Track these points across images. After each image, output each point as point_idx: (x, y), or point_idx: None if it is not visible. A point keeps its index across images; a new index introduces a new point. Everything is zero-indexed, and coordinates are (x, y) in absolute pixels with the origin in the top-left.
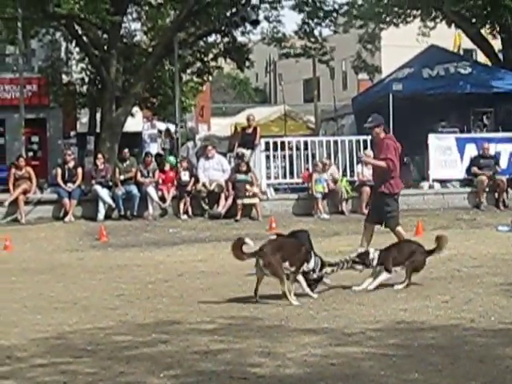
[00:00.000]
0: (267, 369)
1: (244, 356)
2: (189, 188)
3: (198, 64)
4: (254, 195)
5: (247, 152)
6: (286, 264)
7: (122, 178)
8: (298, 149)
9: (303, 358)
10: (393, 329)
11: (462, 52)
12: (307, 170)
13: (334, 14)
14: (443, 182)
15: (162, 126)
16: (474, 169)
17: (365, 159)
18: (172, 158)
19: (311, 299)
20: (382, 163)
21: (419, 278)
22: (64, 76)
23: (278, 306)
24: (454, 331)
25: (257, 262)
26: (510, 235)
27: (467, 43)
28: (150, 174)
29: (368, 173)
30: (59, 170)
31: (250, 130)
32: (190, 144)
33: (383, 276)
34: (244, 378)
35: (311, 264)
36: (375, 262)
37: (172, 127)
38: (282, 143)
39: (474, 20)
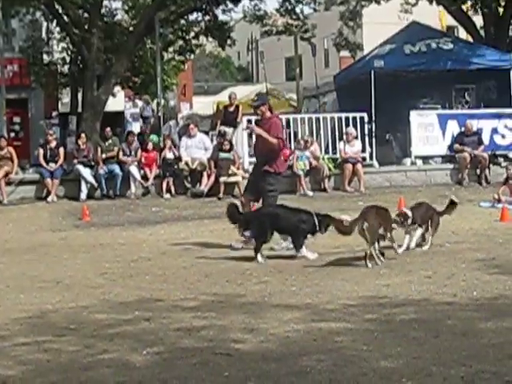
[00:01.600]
0: (250, 345)
1: (227, 332)
2: (174, 166)
3: (180, 42)
4: (237, 173)
5: (229, 130)
6: (381, 229)
7: (103, 156)
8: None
9: (286, 333)
10: (375, 304)
11: (445, 29)
12: (289, 148)
13: None
14: (425, 159)
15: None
16: (457, 146)
17: (252, 128)
18: (155, 137)
19: (293, 276)
20: (275, 141)
21: (403, 254)
22: (45, 56)
23: (260, 283)
24: (437, 306)
25: (361, 224)
26: (491, 211)
27: (449, 20)
28: (133, 153)
29: (350, 150)
30: (41, 150)
31: (231, 109)
32: (172, 122)
33: (419, 232)
34: (227, 354)
35: None
36: (410, 221)
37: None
38: None
39: None
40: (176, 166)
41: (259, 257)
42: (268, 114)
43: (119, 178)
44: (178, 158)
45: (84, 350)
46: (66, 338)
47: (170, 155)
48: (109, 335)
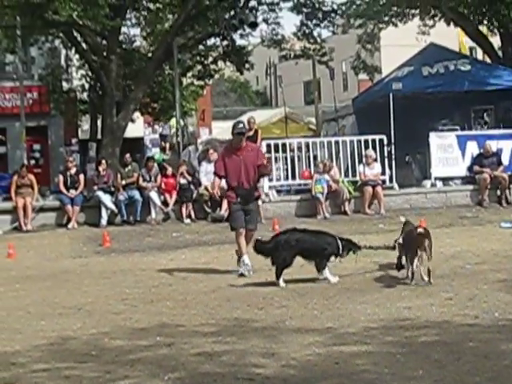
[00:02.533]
0: (272, 369)
1: (248, 357)
2: (194, 194)
3: (198, 67)
4: (257, 198)
5: None
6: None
7: (123, 182)
8: (299, 150)
9: (307, 357)
10: (397, 327)
11: (467, 50)
12: (307, 169)
13: (333, 15)
14: (445, 180)
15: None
16: (476, 167)
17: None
18: (158, 156)
19: (314, 300)
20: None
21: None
22: (64, 83)
23: (282, 307)
24: (459, 328)
25: (424, 241)
26: None
27: (467, 41)
28: (152, 179)
29: (370, 172)
30: (61, 177)
31: (251, 133)
32: (192, 148)
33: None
34: (249, 378)
35: None
36: None
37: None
38: (284, 145)
39: (472, 17)
40: (192, 192)
41: (281, 281)
42: (245, 142)
43: (139, 204)
44: (195, 184)
45: (105, 376)
46: (86, 364)
47: (183, 181)
48: (130, 361)
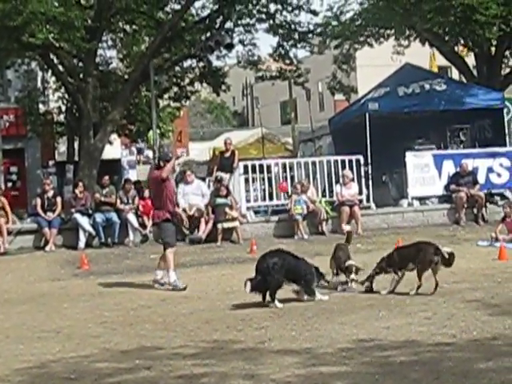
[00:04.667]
0: None
1: (228, 379)
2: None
3: (175, 89)
4: (234, 219)
5: (226, 176)
6: None
7: (102, 199)
8: (276, 171)
9: (287, 379)
10: (375, 347)
11: (436, 71)
12: (284, 181)
13: (309, 35)
14: (422, 200)
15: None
16: (453, 186)
17: None
18: None
19: (293, 321)
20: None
21: (402, 296)
22: (41, 105)
23: (261, 329)
24: (437, 347)
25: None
26: (489, 250)
27: (442, 61)
28: (130, 201)
29: (347, 192)
30: (38, 200)
31: (227, 154)
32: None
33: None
34: None
35: None
36: None
37: (150, 153)
38: (261, 166)
39: (446, 37)
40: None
41: (277, 303)
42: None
43: (117, 226)
44: (175, 205)
45: None
46: None
47: None
48: None
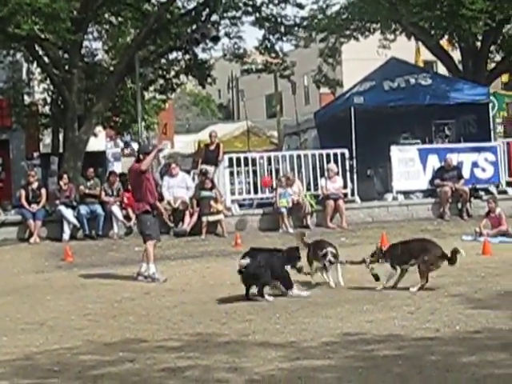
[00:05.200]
0: None
1: (211, 372)
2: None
3: (161, 81)
4: (219, 212)
5: (211, 169)
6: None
7: (86, 191)
8: (261, 164)
9: (271, 372)
10: (359, 340)
11: (422, 65)
12: (268, 176)
13: (295, 29)
14: (407, 194)
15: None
16: (438, 181)
17: None
18: None
19: (277, 314)
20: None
21: (386, 290)
22: (26, 97)
23: (245, 322)
24: (420, 341)
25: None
26: (473, 244)
27: (427, 55)
28: (115, 193)
29: (332, 186)
30: (23, 192)
31: (212, 147)
32: (154, 162)
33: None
34: None
35: None
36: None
37: (135, 146)
38: (246, 159)
39: (432, 32)
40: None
41: (267, 296)
42: None
43: (101, 218)
44: (160, 198)
45: None
46: (50, 380)
47: None
48: (93, 377)
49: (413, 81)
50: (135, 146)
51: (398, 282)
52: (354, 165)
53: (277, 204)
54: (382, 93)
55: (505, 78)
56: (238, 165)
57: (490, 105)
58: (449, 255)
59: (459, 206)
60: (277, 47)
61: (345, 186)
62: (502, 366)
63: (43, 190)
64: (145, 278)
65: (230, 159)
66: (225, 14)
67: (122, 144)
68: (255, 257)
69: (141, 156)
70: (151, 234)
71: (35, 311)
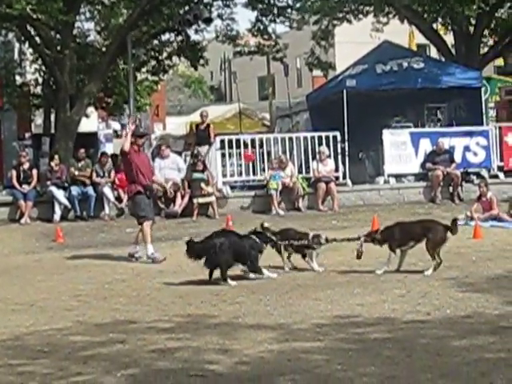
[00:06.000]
0: (225, 366)
1: (201, 353)
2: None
3: (153, 63)
4: (210, 194)
5: (203, 149)
6: None
7: (76, 173)
8: (253, 146)
9: (260, 354)
10: (349, 323)
11: (415, 49)
12: (252, 152)
13: (288, 10)
14: (398, 177)
15: (117, 125)
16: (429, 164)
17: None
18: None
19: (267, 297)
20: None
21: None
22: (18, 77)
23: (235, 304)
24: (410, 325)
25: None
26: (464, 228)
27: (420, 39)
28: (106, 174)
29: (323, 169)
30: (14, 172)
31: (203, 127)
32: (146, 143)
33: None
34: (202, 375)
35: None
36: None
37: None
38: (238, 141)
39: (425, 15)
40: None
41: (229, 281)
42: None
43: (93, 200)
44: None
45: (57, 373)
46: (39, 360)
47: None
48: (83, 357)
49: (405, 64)
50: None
51: (401, 264)
52: (346, 148)
53: (268, 186)
54: (374, 76)
55: (499, 61)
56: (230, 147)
57: (483, 89)
58: (449, 225)
59: (450, 189)
60: (270, 29)
61: (336, 169)
62: (492, 350)
63: (34, 171)
64: (136, 260)
65: (222, 141)
66: None
67: (118, 126)
68: (216, 240)
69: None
70: (146, 215)
71: (25, 292)
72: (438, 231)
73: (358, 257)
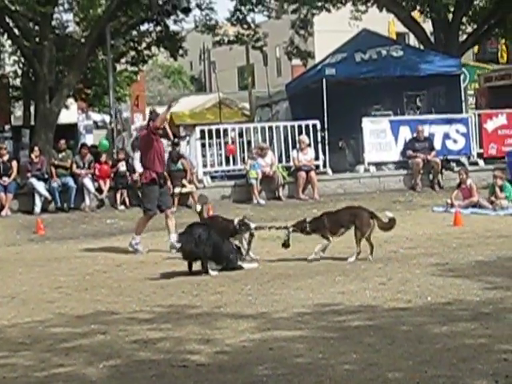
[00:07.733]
0: (206, 356)
1: (183, 344)
2: (128, 181)
3: (132, 53)
4: (191, 183)
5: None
6: None
7: (56, 162)
8: (233, 136)
9: (242, 343)
10: (330, 311)
11: (394, 37)
12: (232, 143)
13: None
14: (378, 165)
15: (97, 117)
16: (409, 152)
17: None
18: (105, 142)
19: (248, 286)
20: None
21: (360, 261)
22: None
23: (216, 294)
24: (392, 312)
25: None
26: (445, 216)
27: (399, 27)
28: (86, 166)
29: (303, 158)
30: None
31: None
32: (125, 134)
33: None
34: (184, 365)
35: None
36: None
37: (107, 118)
38: (218, 131)
39: (404, 3)
40: (129, 178)
41: (211, 271)
42: None
43: (73, 191)
44: (132, 170)
45: (40, 365)
46: (21, 353)
47: (122, 168)
48: (64, 349)
49: (384, 52)
50: (106, 118)
51: (325, 251)
52: (326, 136)
53: (247, 175)
54: (353, 64)
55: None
56: (210, 137)
57: (462, 76)
58: (374, 212)
59: (431, 177)
60: (248, 18)
61: (316, 158)
62: (473, 336)
63: (14, 163)
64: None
65: (202, 131)
66: None
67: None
68: (194, 232)
69: (150, 123)
70: (151, 209)
71: (6, 284)
72: (364, 217)
73: (286, 246)
